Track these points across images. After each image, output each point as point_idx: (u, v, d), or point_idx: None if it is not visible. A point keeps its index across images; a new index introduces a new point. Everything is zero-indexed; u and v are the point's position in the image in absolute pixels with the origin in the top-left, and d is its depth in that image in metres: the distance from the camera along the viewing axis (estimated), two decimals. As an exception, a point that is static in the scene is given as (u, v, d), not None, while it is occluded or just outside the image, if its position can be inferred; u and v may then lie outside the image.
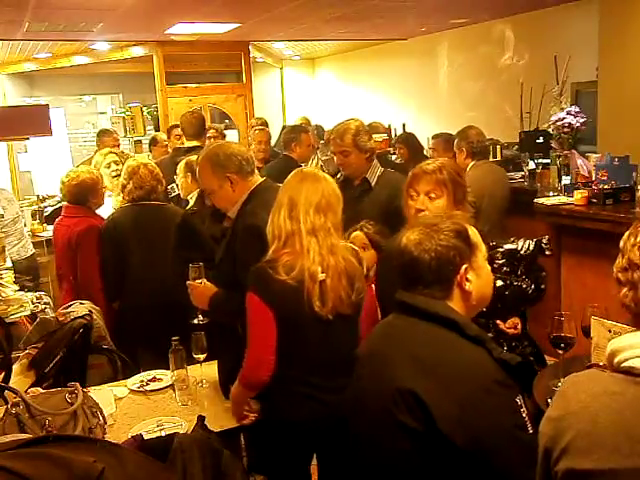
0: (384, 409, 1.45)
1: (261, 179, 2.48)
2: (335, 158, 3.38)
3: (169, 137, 5.62)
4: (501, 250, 2.41)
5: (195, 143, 4.67)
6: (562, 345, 2.16)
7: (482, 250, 1.59)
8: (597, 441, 1.12)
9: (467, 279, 1.53)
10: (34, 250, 4.96)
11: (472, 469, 1.36)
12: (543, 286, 2.47)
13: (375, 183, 3.24)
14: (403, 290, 1.58)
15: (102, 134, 5.94)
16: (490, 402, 1.37)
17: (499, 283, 2.32)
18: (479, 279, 1.56)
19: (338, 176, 3.41)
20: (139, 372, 2.81)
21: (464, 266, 1.53)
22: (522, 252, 2.42)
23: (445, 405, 1.36)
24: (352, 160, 3.24)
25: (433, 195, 2.25)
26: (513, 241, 2.45)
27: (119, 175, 3.75)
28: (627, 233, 1.28)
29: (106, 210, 3.87)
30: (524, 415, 1.39)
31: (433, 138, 5.01)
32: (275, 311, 1.98)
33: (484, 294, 1.60)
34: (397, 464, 1.46)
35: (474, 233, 1.60)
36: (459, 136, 4.38)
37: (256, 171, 2.49)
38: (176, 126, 5.47)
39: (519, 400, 1.40)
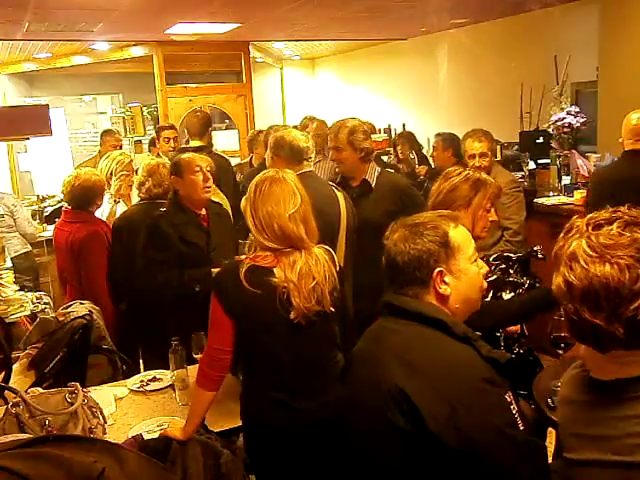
0: (376, 410, 1.45)
1: (305, 170, 2.88)
2: (331, 154, 3.36)
3: (158, 139, 5.21)
4: (497, 254, 2.48)
5: (199, 143, 4.59)
6: (562, 345, 2.17)
7: (466, 252, 1.56)
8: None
9: (444, 282, 1.52)
10: (27, 249, 4.95)
11: (464, 468, 1.36)
12: (538, 285, 2.51)
13: (375, 184, 3.23)
14: (388, 289, 1.59)
15: (105, 134, 5.92)
16: (480, 401, 1.37)
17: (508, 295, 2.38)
18: (459, 282, 1.54)
19: (335, 178, 3.42)
20: (139, 372, 2.82)
21: (437, 269, 1.51)
22: (514, 256, 2.47)
23: (435, 405, 1.36)
24: (344, 157, 3.23)
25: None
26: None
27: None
28: (555, 249, 1.24)
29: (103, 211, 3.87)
30: (514, 412, 1.39)
31: (434, 137, 4.96)
32: (236, 320, 1.97)
33: (468, 297, 1.57)
34: (390, 465, 1.46)
35: (460, 234, 1.57)
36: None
37: (306, 162, 2.93)
38: (167, 128, 5.22)
39: (509, 397, 1.40)
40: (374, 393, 1.48)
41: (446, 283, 1.52)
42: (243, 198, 2.10)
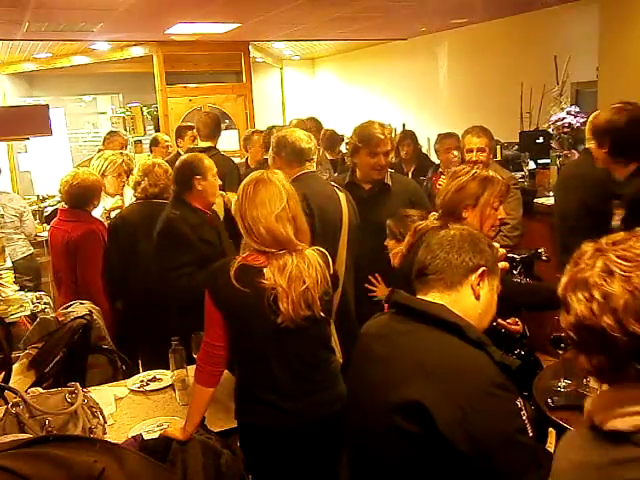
0: (384, 412, 1.44)
1: (307, 170, 2.89)
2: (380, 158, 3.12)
3: (182, 138, 5.28)
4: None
5: (209, 144, 4.60)
6: (562, 345, 2.17)
7: (498, 279, 1.62)
8: None
9: (479, 284, 1.55)
10: (31, 251, 4.94)
11: (473, 473, 1.36)
12: None
13: (392, 184, 3.19)
14: (418, 268, 1.59)
15: (112, 134, 5.91)
16: (491, 405, 1.36)
17: None
18: (488, 293, 1.57)
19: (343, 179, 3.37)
20: (139, 372, 2.81)
21: (483, 268, 1.55)
22: (518, 257, 2.47)
23: (447, 409, 1.35)
24: (389, 159, 3.19)
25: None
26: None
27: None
28: (564, 281, 1.12)
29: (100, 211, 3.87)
30: (524, 418, 1.39)
31: (452, 136, 4.77)
32: (225, 316, 1.99)
33: (486, 311, 1.59)
34: (397, 468, 1.45)
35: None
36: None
37: (308, 163, 2.93)
38: (190, 127, 5.23)
39: (519, 403, 1.40)
40: (381, 394, 1.47)
41: (479, 285, 1.55)
42: (233, 202, 2.10)
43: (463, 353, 1.44)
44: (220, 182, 3.16)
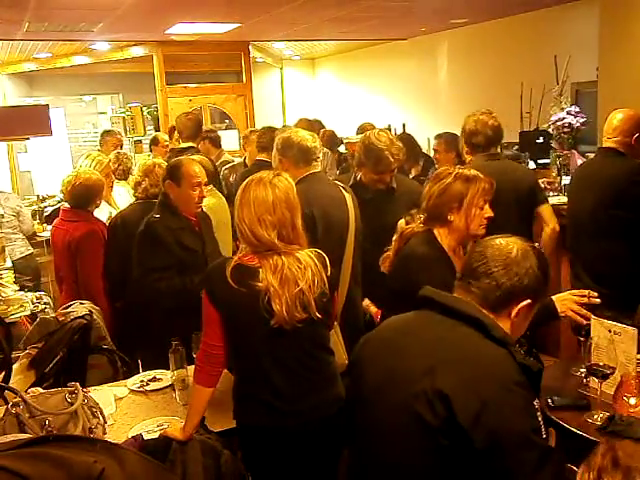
0: (404, 404, 1.44)
1: (313, 171, 2.85)
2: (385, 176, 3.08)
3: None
4: None
5: (190, 144, 4.71)
6: (583, 332, 2.20)
7: (539, 305, 1.61)
8: None
9: (517, 315, 1.53)
10: (30, 251, 4.94)
11: (484, 469, 1.36)
12: None
13: (397, 187, 3.16)
14: (468, 270, 1.57)
15: (106, 134, 5.95)
16: (510, 402, 1.38)
17: None
18: (524, 320, 1.57)
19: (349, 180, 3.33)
20: (139, 372, 2.81)
21: (528, 300, 1.53)
22: None
23: (467, 400, 1.36)
24: (394, 174, 3.13)
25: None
26: None
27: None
28: (580, 470, 1.21)
29: (102, 211, 3.87)
30: (540, 420, 1.40)
31: (435, 138, 4.89)
32: (221, 314, 1.99)
33: (515, 331, 1.58)
34: (410, 459, 1.45)
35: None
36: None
37: (314, 163, 2.88)
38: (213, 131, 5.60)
39: (536, 404, 1.42)
40: (403, 384, 1.48)
41: (517, 315, 1.54)
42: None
43: (486, 349, 1.46)
44: (206, 191, 3.06)
